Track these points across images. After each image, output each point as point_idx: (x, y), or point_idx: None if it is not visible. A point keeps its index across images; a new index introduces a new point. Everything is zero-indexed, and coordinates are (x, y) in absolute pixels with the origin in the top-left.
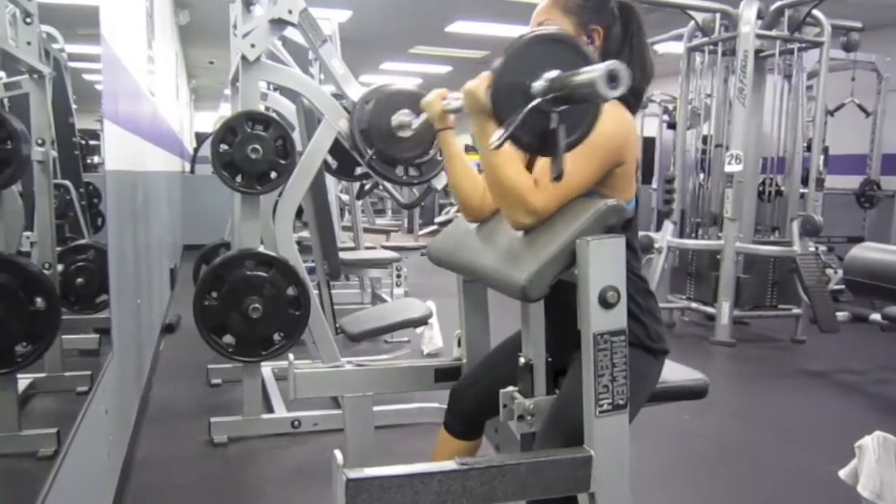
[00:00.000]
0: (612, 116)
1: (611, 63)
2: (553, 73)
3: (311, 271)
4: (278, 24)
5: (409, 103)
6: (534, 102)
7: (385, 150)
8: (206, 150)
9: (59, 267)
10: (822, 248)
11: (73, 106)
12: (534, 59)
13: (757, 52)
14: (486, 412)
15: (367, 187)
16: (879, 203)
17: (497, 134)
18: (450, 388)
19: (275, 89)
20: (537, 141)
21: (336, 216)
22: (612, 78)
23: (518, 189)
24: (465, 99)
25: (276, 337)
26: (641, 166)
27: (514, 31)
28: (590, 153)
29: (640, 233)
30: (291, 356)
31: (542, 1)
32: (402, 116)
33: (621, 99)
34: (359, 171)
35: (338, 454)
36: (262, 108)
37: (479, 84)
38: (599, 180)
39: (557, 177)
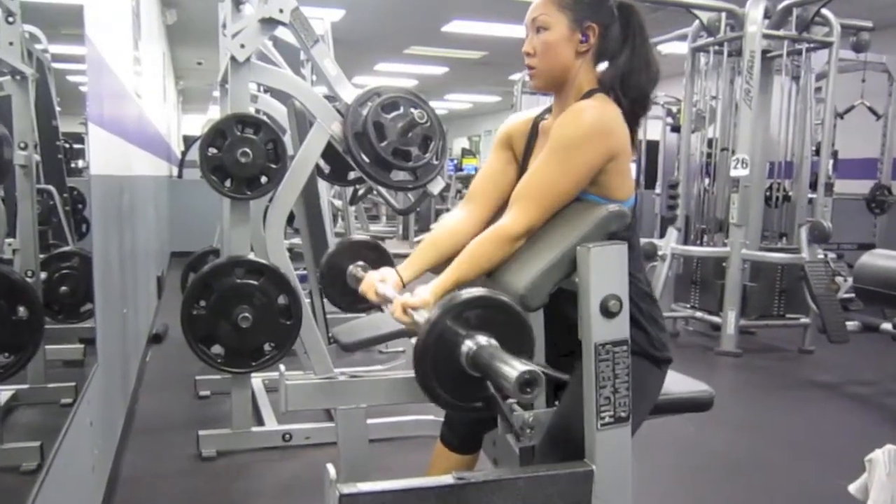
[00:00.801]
0: (594, 110)
1: (526, 372)
2: (483, 340)
3: (302, 279)
4: (269, 23)
5: (365, 256)
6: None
7: (338, 301)
8: (194, 153)
9: (43, 275)
10: (832, 255)
11: (57, 108)
12: (472, 319)
13: (764, 52)
14: (485, 425)
15: (360, 192)
16: (890, 209)
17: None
18: None
19: (265, 91)
20: (483, 405)
21: (329, 222)
22: (526, 384)
23: (498, 246)
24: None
25: (267, 347)
26: (645, 171)
27: (512, 30)
28: (572, 155)
29: (643, 240)
30: (282, 367)
31: None
32: (359, 269)
33: (624, 110)
34: (352, 175)
35: (330, 469)
36: (252, 110)
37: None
38: (591, 180)
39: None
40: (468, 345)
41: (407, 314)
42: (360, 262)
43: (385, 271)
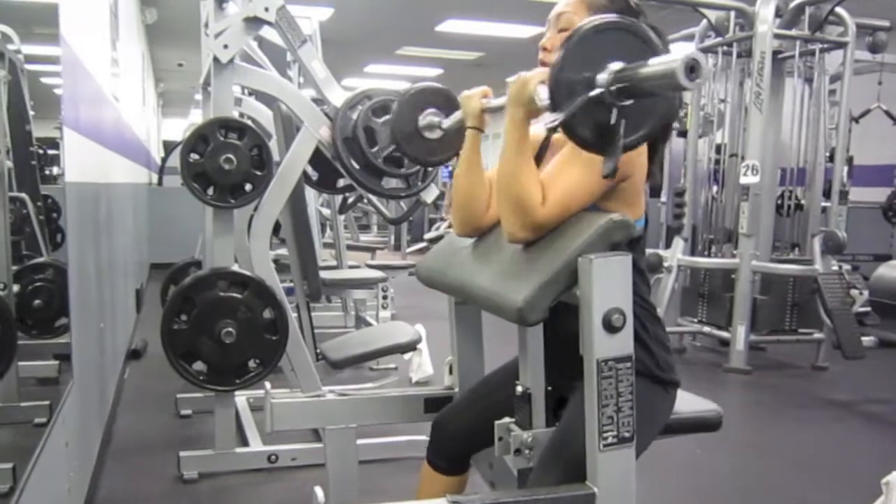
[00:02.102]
0: None
1: (689, 52)
2: (618, 65)
3: (289, 292)
4: (254, 22)
5: (438, 102)
6: (595, 91)
7: (412, 153)
8: (174, 159)
9: (15, 288)
10: (846, 266)
11: (31, 112)
12: (597, 50)
13: (775, 53)
14: (474, 445)
15: (350, 201)
16: None
17: (551, 118)
18: None
19: (250, 94)
20: (592, 134)
21: (317, 232)
22: (692, 68)
23: (528, 201)
24: (513, 87)
25: (252, 364)
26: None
27: (510, 30)
28: (593, 164)
29: (648, 250)
30: (268, 385)
31: None
32: (430, 116)
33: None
34: (341, 183)
35: (318, 492)
36: (236, 114)
37: (534, 76)
38: (603, 195)
39: (608, 174)
40: (612, 68)
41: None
42: (431, 110)
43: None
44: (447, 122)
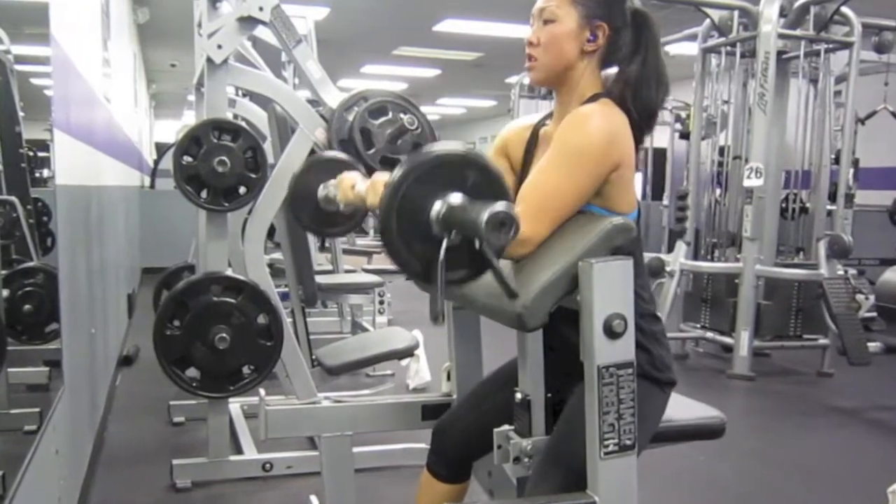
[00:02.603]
0: (599, 117)
1: (499, 206)
2: (456, 199)
3: (284, 297)
4: (248, 22)
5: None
6: (442, 251)
7: (306, 223)
8: (167, 162)
9: (5, 292)
10: (852, 271)
11: (20, 114)
12: (438, 178)
13: (779, 53)
14: (475, 452)
15: None
16: None
17: (435, 308)
18: None
19: (244, 95)
20: (469, 270)
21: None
22: (499, 224)
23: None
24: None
25: (246, 370)
26: (652, 181)
27: (509, 30)
28: (577, 163)
29: (650, 254)
30: (262, 391)
31: None
32: (331, 188)
33: (631, 123)
34: None
35: (314, 500)
36: (229, 115)
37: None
38: (597, 192)
39: (434, 318)
40: (437, 206)
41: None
42: (332, 181)
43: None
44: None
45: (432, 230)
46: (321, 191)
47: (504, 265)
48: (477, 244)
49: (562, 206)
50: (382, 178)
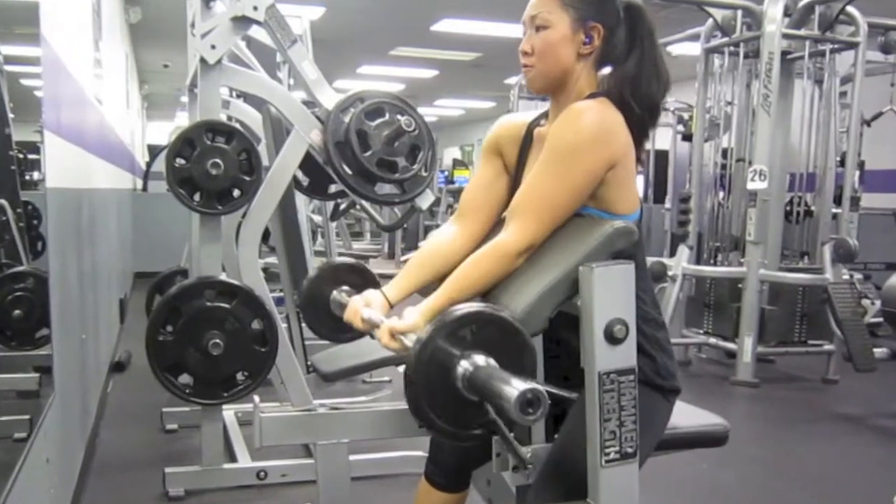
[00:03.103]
0: (593, 112)
1: (528, 390)
2: (480, 360)
3: (279, 302)
4: (242, 22)
5: (352, 281)
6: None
7: (318, 330)
8: (160, 164)
9: None
10: (858, 275)
11: (10, 115)
12: (467, 337)
13: (783, 53)
14: (474, 460)
15: (342, 207)
16: None
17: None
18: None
19: (238, 96)
20: (483, 431)
21: (307, 240)
22: (528, 404)
23: (497, 263)
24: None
25: (240, 376)
26: (654, 183)
27: (508, 29)
28: (570, 161)
29: (652, 259)
30: (257, 398)
31: None
32: (345, 294)
33: (632, 120)
34: (333, 188)
35: None
36: (223, 117)
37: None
38: (593, 194)
39: (523, 466)
40: (464, 366)
41: (395, 339)
42: (344, 287)
43: (369, 294)
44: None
45: (459, 392)
46: (333, 297)
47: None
48: (492, 412)
49: (557, 208)
50: (392, 323)
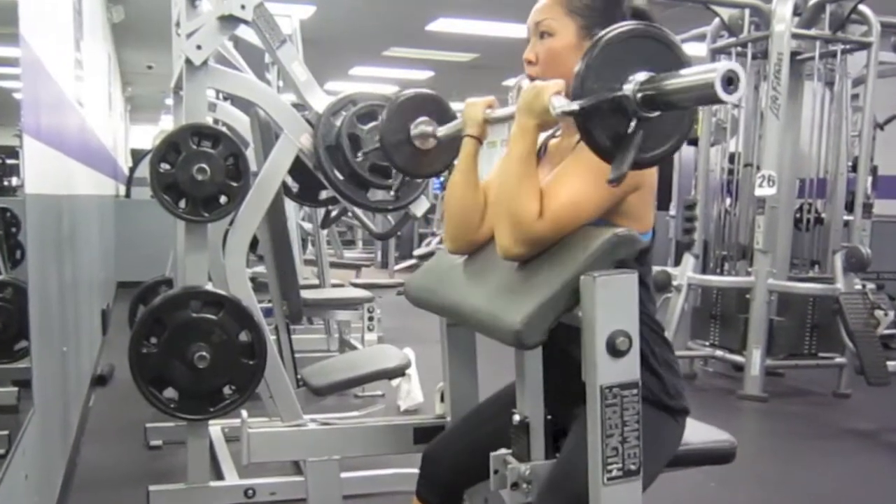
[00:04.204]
0: None
1: (727, 63)
2: (645, 75)
3: (267, 313)
4: (229, 21)
5: (431, 110)
6: (620, 92)
7: (401, 164)
8: (144, 170)
9: None
10: (870, 285)
11: None
12: (623, 58)
13: (793, 54)
14: (468, 478)
15: (333, 214)
16: None
17: (567, 103)
18: None
19: (225, 99)
20: (606, 137)
21: (297, 248)
22: (729, 80)
23: (525, 213)
24: (527, 95)
25: (227, 390)
26: (658, 189)
27: (506, 29)
28: (600, 174)
29: (656, 267)
30: (245, 413)
31: None
32: (423, 125)
33: None
34: (324, 195)
35: None
36: (210, 120)
37: (549, 86)
38: (610, 209)
39: (613, 179)
40: (640, 77)
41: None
42: (424, 118)
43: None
44: (442, 131)
45: (626, 102)
46: (413, 129)
47: (501, 276)
48: (632, 127)
49: (577, 214)
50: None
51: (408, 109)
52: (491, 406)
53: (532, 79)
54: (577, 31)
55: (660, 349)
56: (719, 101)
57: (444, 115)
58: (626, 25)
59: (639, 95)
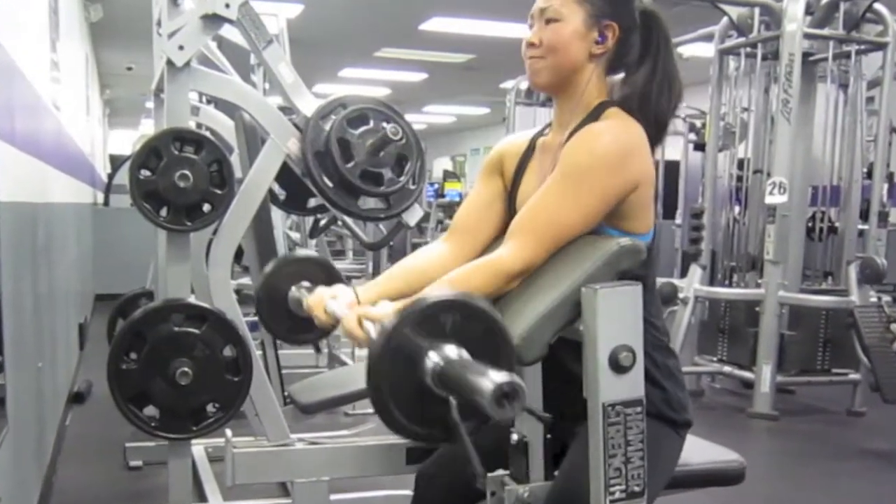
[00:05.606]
0: (613, 134)
1: (504, 379)
2: (451, 352)
3: (253, 327)
4: (213, 20)
5: (312, 275)
6: (461, 427)
7: (275, 329)
8: (123, 176)
9: None
10: (886, 297)
11: None
12: (438, 328)
13: (805, 55)
14: (463, 500)
15: (322, 223)
16: None
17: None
18: None
19: (208, 102)
20: (438, 431)
21: None
22: (503, 396)
23: (489, 280)
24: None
25: (211, 408)
26: (663, 197)
27: (503, 29)
28: (585, 185)
29: (661, 279)
30: (229, 432)
31: None
32: (303, 290)
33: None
34: (312, 203)
35: None
36: (192, 124)
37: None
38: (610, 212)
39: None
40: (434, 359)
41: (363, 328)
42: (305, 283)
43: (338, 288)
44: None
45: (429, 388)
46: (292, 293)
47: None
48: (454, 413)
49: (564, 230)
50: (364, 309)
51: (289, 273)
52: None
53: (533, 59)
54: (585, 19)
55: (662, 357)
56: (489, 418)
57: (329, 281)
58: (440, 297)
59: (437, 374)
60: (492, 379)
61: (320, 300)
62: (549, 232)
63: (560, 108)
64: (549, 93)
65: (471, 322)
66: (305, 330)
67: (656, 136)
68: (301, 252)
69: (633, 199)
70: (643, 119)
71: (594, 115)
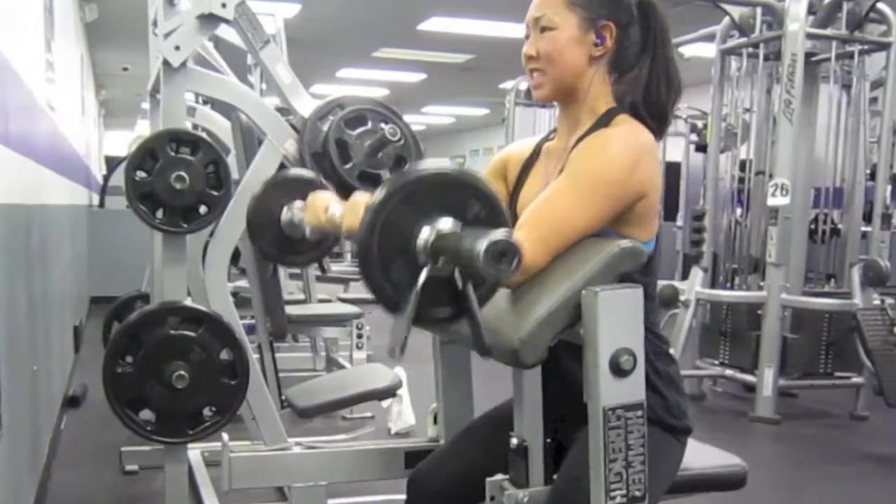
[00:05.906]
0: (624, 140)
1: (499, 234)
2: (447, 224)
3: (250, 330)
4: (209, 20)
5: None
6: (422, 276)
7: (265, 249)
8: (119, 178)
9: None
10: (890, 300)
11: None
12: (428, 201)
13: (808, 55)
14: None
15: None
16: None
17: (397, 337)
18: None
19: (205, 102)
20: (451, 309)
21: None
22: (500, 254)
23: None
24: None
25: (207, 412)
26: (663, 199)
27: (502, 29)
28: (594, 190)
29: (662, 282)
30: (226, 436)
31: None
32: (296, 210)
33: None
34: None
35: None
36: (188, 125)
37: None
38: (613, 219)
39: (391, 351)
40: (425, 232)
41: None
42: (298, 203)
43: (338, 198)
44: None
45: (418, 259)
46: (285, 214)
47: (500, 291)
48: (459, 283)
49: (568, 236)
50: (363, 198)
51: (281, 191)
52: (484, 426)
53: (533, 72)
54: (579, 24)
55: (662, 364)
56: (483, 277)
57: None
58: (426, 171)
59: (429, 245)
60: (488, 237)
61: (325, 201)
62: (554, 234)
63: (565, 114)
64: (555, 101)
65: (463, 194)
66: (298, 252)
67: (657, 129)
68: (293, 170)
69: (639, 207)
70: (646, 112)
71: (604, 120)
